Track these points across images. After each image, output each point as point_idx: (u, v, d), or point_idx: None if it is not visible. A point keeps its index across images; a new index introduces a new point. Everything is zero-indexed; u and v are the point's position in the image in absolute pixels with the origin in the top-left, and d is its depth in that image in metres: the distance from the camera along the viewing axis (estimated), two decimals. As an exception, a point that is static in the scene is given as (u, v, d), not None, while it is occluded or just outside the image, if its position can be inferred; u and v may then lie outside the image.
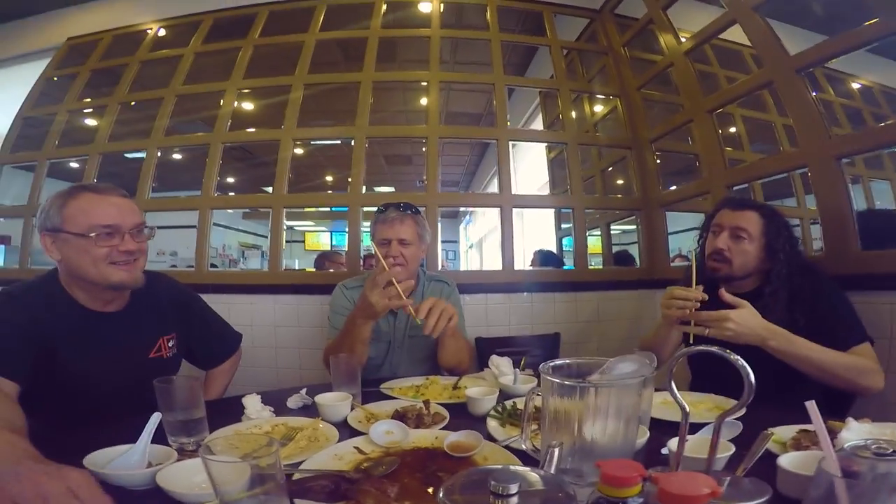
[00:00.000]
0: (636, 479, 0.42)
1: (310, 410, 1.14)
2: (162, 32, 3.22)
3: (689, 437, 0.60)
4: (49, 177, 2.95)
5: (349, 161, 2.57)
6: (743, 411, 0.55)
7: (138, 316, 1.24)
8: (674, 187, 2.69)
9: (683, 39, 2.45)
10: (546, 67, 3.24)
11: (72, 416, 1.10)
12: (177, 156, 3.98)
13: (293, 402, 1.18)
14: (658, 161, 2.70)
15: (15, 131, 3.10)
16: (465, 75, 3.24)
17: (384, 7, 2.93)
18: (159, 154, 2.78)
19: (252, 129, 2.98)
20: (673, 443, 0.72)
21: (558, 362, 0.68)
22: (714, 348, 0.53)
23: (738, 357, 0.50)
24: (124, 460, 0.77)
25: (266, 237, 2.55)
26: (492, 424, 0.97)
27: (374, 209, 1.70)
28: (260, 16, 3.03)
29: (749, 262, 1.35)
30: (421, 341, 1.60)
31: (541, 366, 0.66)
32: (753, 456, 0.62)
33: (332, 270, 2.99)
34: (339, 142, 2.96)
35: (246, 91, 2.88)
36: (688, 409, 0.58)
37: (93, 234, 1.06)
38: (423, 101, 2.92)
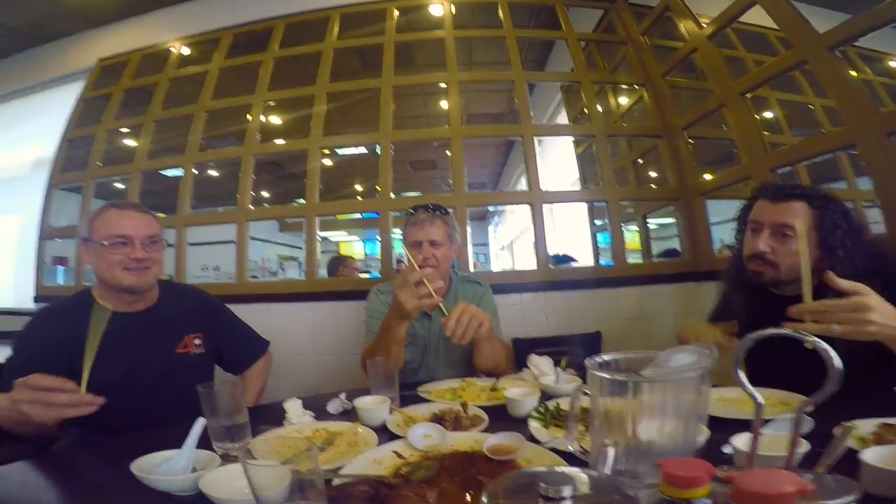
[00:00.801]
0: (704, 479, 0.37)
1: (349, 415, 1.13)
2: (186, 51, 3.35)
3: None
4: (96, 197, 3.11)
5: (375, 169, 2.60)
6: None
7: (163, 314, 1.36)
8: (708, 176, 2.58)
9: (704, 24, 2.37)
10: (564, 62, 3.19)
11: (109, 419, 1.14)
12: (212, 172, 4.14)
13: (333, 406, 1.18)
14: (690, 149, 2.60)
15: (61, 154, 3.29)
16: (484, 73, 3.23)
17: (396, 13, 2.95)
18: (195, 172, 2.88)
19: (281, 141, 3.05)
20: (738, 440, 0.66)
21: (606, 357, 0.64)
22: (789, 331, 0.47)
23: (818, 340, 0.44)
24: (169, 466, 0.78)
25: (302, 249, 2.61)
26: (534, 426, 0.93)
27: (404, 213, 1.71)
28: (277, 29, 3.12)
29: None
30: (456, 344, 1.57)
31: (587, 361, 0.62)
32: (834, 451, 0.56)
33: (343, 276, 3.04)
34: (364, 150, 3.00)
35: (271, 104, 2.95)
36: (762, 400, 0.53)
37: (107, 243, 1.22)
38: (443, 104, 2.93)
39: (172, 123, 3.10)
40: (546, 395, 1.13)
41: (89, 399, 0.96)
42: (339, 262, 3.28)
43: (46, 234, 3.18)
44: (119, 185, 3.33)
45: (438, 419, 0.97)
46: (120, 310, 1.28)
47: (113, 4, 3.68)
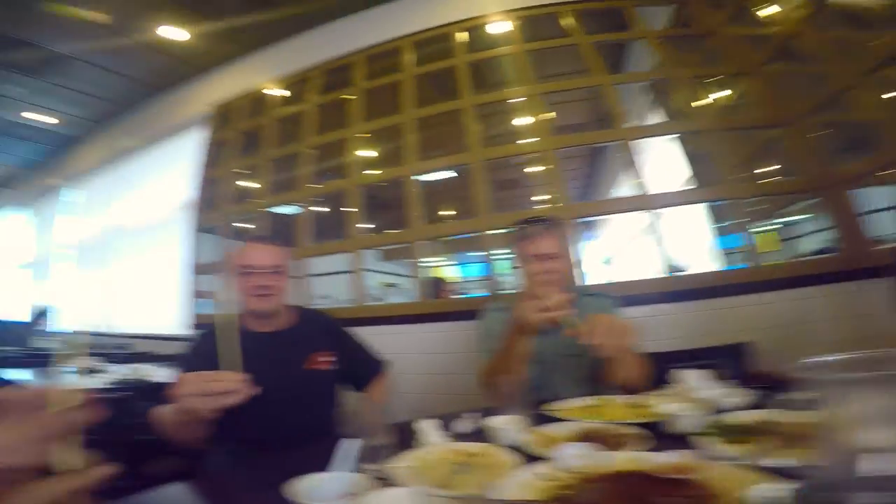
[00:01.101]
0: None
1: (479, 435, 1.08)
2: (281, 93, 3.69)
3: None
4: (228, 236, 3.51)
5: (457, 194, 2.65)
6: None
7: (295, 334, 1.50)
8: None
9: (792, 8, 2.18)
10: (639, 65, 3.01)
11: (248, 432, 1.30)
12: (321, 208, 4.49)
13: (462, 425, 1.14)
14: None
15: (197, 196, 3.77)
16: (567, 82, 3.09)
17: (464, 35, 3.03)
18: (309, 209, 3.13)
19: (375, 171, 3.21)
20: None
21: (818, 359, 0.52)
22: None
23: None
24: (325, 489, 0.77)
25: (403, 276, 2.76)
26: (708, 442, 0.82)
27: (504, 231, 1.68)
28: (358, 64, 3.34)
29: None
30: (578, 361, 1.48)
31: (815, 362, 0.51)
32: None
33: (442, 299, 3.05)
34: (444, 176, 3.05)
35: (365, 135, 3.14)
36: None
37: (238, 273, 1.41)
38: (517, 121, 2.89)
39: (283, 161, 3.42)
40: (707, 410, 0.99)
41: (242, 384, 1.03)
42: (437, 286, 3.33)
43: (195, 270, 3.65)
44: (243, 225, 3.74)
45: (592, 438, 0.88)
46: (260, 330, 1.44)
47: (215, 52, 4.21)
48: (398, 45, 3.24)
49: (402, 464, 0.87)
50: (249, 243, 1.47)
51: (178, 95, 4.73)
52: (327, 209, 4.37)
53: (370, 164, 3.11)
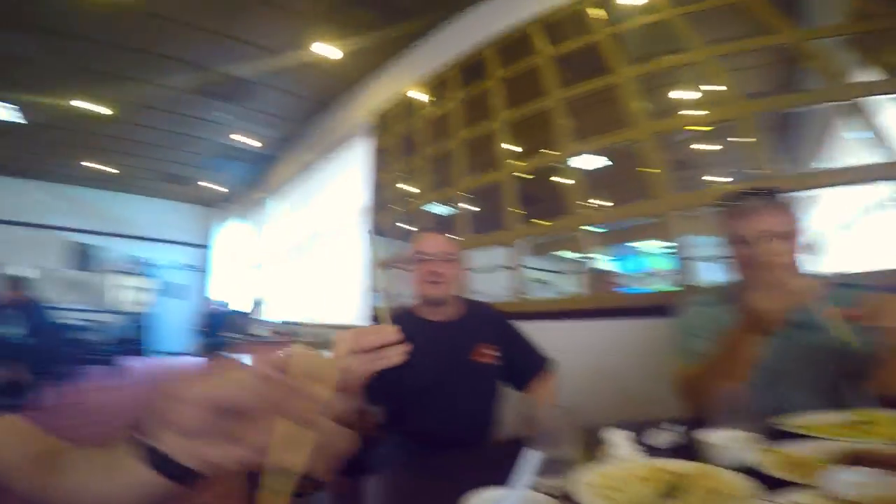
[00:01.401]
0: None
1: (679, 450, 0.93)
2: (420, 95, 3.80)
3: None
4: (396, 237, 3.80)
5: (608, 182, 2.35)
6: None
7: (463, 325, 1.52)
8: None
9: None
10: (824, 17, 2.32)
11: (415, 422, 1.37)
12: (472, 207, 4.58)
13: (658, 438, 0.99)
14: None
15: (370, 200, 4.15)
16: (746, 42, 2.49)
17: (600, 11, 2.69)
18: (464, 206, 3.19)
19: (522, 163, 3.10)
20: None
21: None
22: None
23: None
24: None
25: (553, 272, 2.59)
26: None
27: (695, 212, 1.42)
28: (489, 54, 3.25)
29: None
30: (818, 368, 1.17)
31: None
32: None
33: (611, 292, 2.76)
34: (608, 162, 2.78)
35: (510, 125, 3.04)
36: None
37: (414, 259, 1.47)
38: (674, 94, 2.43)
39: (438, 160, 3.54)
40: None
41: (395, 336, 0.84)
42: (599, 279, 3.03)
43: (371, 267, 4.04)
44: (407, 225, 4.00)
45: (862, 461, 0.68)
46: (432, 319, 1.50)
47: (363, 64, 4.58)
48: (528, 29, 3.08)
49: (589, 481, 0.75)
50: (424, 233, 1.55)
51: (343, 109, 5.31)
52: (479, 207, 4.46)
53: (520, 155, 3.02)
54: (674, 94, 3.02)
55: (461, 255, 1.54)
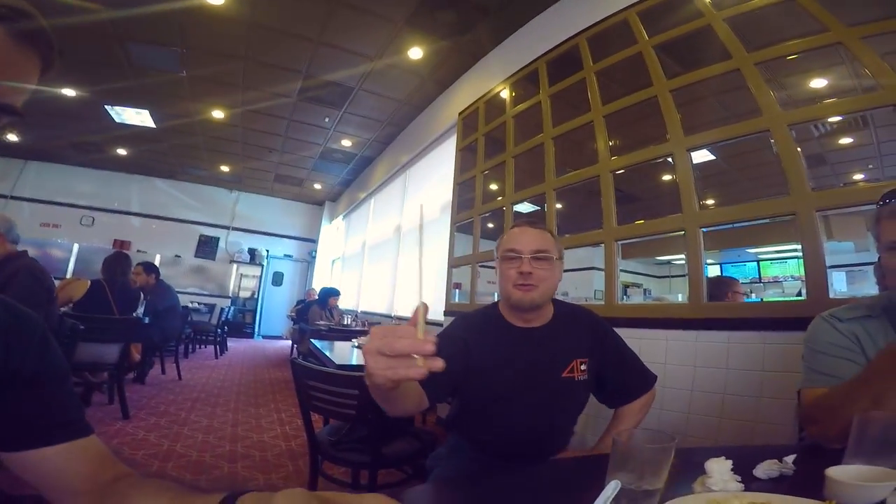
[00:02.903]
0: None
1: (785, 483, 0.79)
2: (505, 93, 3.69)
3: None
4: (481, 236, 3.77)
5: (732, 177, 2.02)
6: None
7: (557, 335, 1.30)
8: None
9: None
10: None
11: (488, 430, 1.25)
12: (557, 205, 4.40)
13: (765, 469, 0.84)
14: None
15: (455, 198, 4.16)
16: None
17: None
18: (558, 207, 3.04)
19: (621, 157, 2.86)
20: None
21: None
22: None
23: None
24: None
25: (646, 276, 2.33)
26: None
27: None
28: (581, 46, 3.05)
29: None
30: None
31: None
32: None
33: (728, 301, 2.39)
34: (712, 157, 2.46)
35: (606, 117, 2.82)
36: None
37: (502, 257, 1.28)
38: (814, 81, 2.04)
39: (527, 157, 3.44)
40: None
41: (429, 348, 0.59)
42: (725, 285, 2.66)
43: (452, 263, 4.07)
44: (490, 224, 3.95)
45: None
46: (517, 325, 1.30)
47: (451, 64, 4.62)
48: (623, 17, 2.84)
49: None
50: (519, 226, 1.31)
51: (434, 109, 5.42)
52: (571, 206, 4.27)
53: (615, 150, 2.79)
54: (811, 82, 2.55)
55: (558, 251, 1.30)
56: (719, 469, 0.78)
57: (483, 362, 1.23)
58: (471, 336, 1.26)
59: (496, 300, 1.39)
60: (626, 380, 1.36)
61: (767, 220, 2.04)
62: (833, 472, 0.68)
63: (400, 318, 5.41)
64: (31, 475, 0.59)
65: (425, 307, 0.61)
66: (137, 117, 6.45)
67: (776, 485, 0.80)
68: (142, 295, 4.35)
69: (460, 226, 4.09)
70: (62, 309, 3.30)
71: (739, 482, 0.77)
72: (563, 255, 1.35)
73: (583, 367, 1.29)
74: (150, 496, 0.55)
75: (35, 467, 0.58)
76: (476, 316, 1.37)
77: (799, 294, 2.66)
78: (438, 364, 0.58)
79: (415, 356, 0.58)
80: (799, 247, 1.81)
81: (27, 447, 0.58)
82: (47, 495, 0.59)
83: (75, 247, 9.08)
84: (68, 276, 8.52)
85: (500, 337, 1.28)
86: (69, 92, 5.68)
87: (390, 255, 6.60)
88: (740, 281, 2.87)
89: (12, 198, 8.80)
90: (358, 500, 0.40)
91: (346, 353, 2.86)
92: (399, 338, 0.59)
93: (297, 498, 0.38)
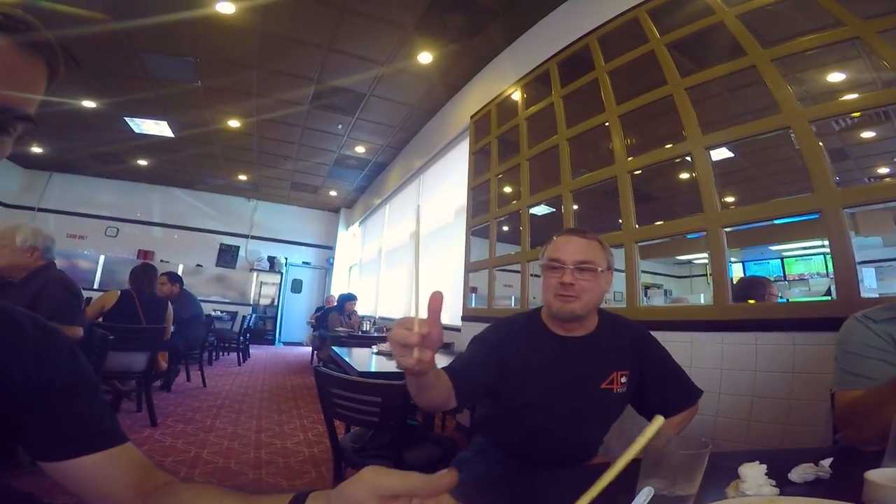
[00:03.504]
0: None
1: (821, 487, 0.77)
2: (517, 95, 3.67)
3: None
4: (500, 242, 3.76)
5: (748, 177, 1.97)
6: None
7: (599, 345, 1.29)
8: None
9: None
10: None
11: (520, 435, 1.25)
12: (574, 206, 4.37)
13: (800, 473, 0.82)
14: None
15: (470, 202, 4.15)
16: None
17: None
18: (575, 208, 3.02)
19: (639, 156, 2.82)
20: None
21: None
22: None
23: None
24: None
25: (666, 276, 2.27)
26: None
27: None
28: (592, 46, 3.02)
29: None
30: None
31: None
32: None
33: (766, 302, 2.33)
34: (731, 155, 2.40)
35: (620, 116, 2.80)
36: None
37: (545, 266, 1.27)
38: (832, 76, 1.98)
39: (539, 159, 3.43)
40: None
41: (413, 340, 0.72)
42: (762, 286, 2.54)
43: (468, 268, 4.07)
44: (505, 228, 3.94)
45: None
46: (557, 333, 1.29)
47: (461, 67, 4.65)
48: (633, 15, 2.81)
49: None
50: (566, 234, 1.30)
51: (446, 114, 5.43)
52: (587, 207, 4.24)
53: (631, 150, 2.76)
54: (829, 76, 2.48)
55: (606, 262, 1.27)
56: (753, 473, 0.77)
57: (519, 366, 1.24)
58: (508, 340, 1.28)
59: (539, 306, 1.39)
60: (668, 394, 1.32)
61: (792, 219, 2.00)
62: (873, 475, 0.66)
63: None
64: (74, 485, 0.61)
65: (437, 299, 0.71)
66: (156, 127, 6.62)
67: (812, 489, 0.78)
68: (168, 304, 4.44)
69: (476, 230, 4.08)
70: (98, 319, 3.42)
71: (774, 486, 0.76)
72: (613, 264, 1.32)
73: (623, 380, 1.27)
74: (214, 498, 0.56)
75: (77, 477, 0.60)
76: (518, 320, 1.36)
77: (828, 293, 2.59)
78: (426, 356, 0.75)
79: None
80: (823, 242, 1.77)
81: (66, 457, 0.59)
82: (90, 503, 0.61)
83: (101, 258, 9.32)
84: (95, 286, 8.77)
85: (539, 343, 1.28)
86: (89, 103, 5.85)
87: (407, 260, 6.63)
88: (772, 280, 2.80)
89: (39, 210, 9.08)
90: (425, 478, 0.43)
91: (366, 359, 2.87)
92: (398, 328, 0.73)
93: (365, 481, 0.42)
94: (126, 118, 6.33)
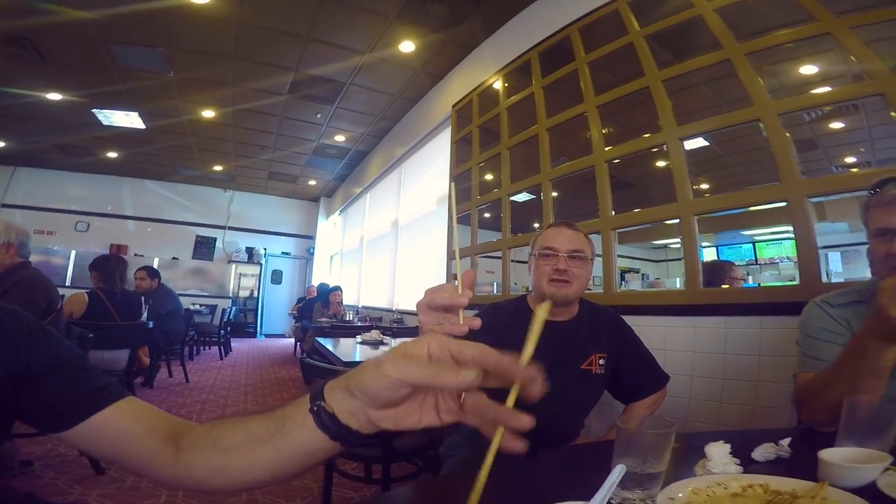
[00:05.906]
0: None
1: (781, 465, 0.84)
2: (498, 84, 3.69)
3: None
4: (479, 226, 3.79)
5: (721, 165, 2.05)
6: None
7: (580, 329, 1.40)
8: None
9: None
10: None
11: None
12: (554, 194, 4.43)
13: (762, 452, 0.89)
14: None
15: (452, 192, 4.16)
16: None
17: None
18: (555, 195, 3.06)
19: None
20: None
21: None
22: None
23: None
24: None
25: (643, 260, 2.34)
26: None
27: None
28: (573, 36, 3.06)
29: None
30: None
31: None
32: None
33: (726, 286, 2.42)
34: (706, 144, 2.48)
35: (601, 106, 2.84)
36: None
37: (538, 254, 1.37)
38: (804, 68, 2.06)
39: (522, 148, 3.46)
40: None
41: (463, 300, 0.63)
42: (722, 270, 2.65)
43: (451, 256, 4.10)
44: (486, 215, 3.97)
45: None
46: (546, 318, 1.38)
47: (443, 56, 4.63)
48: (614, 7, 2.85)
49: (674, 497, 0.68)
50: (557, 226, 1.43)
51: (427, 102, 5.41)
52: (566, 195, 4.30)
53: (609, 139, 2.81)
54: (801, 70, 2.54)
55: (591, 251, 1.41)
56: (718, 452, 0.83)
57: (510, 350, 1.28)
58: (500, 325, 1.35)
59: (525, 293, 1.50)
60: (639, 378, 1.44)
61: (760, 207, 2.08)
62: (825, 454, 0.73)
63: (401, 312, 5.45)
64: (95, 448, 0.61)
65: (471, 273, 0.67)
66: (126, 119, 6.41)
67: (773, 467, 0.84)
68: (142, 300, 4.33)
69: (457, 217, 4.09)
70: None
71: (738, 465, 0.82)
72: (595, 254, 1.45)
73: (601, 362, 1.37)
74: (239, 426, 0.55)
75: (95, 439, 0.60)
76: (507, 307, 1.46)
77: (794, 278, 2.70)
78: (476, 323, 0.66)
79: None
80: (791, 228, 1.86)
81: (73, 423, 0.60)
82: (125, 464, 0.61)
83: (73, 253, 9.04)
84: (67, 283, 8.50)
85: (527, 328, 1.32)
86: (54, 96, 5.63)
87: (389, 249, 6.62)
88: (736, 264, 2.91)
89: (3, 206, 8.73)
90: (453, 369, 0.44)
91: (350, 349, 2.90)
92: (439, 292, 0.64)
93: (387, 374, 0.44)
94: (93, 110, 6.11)
